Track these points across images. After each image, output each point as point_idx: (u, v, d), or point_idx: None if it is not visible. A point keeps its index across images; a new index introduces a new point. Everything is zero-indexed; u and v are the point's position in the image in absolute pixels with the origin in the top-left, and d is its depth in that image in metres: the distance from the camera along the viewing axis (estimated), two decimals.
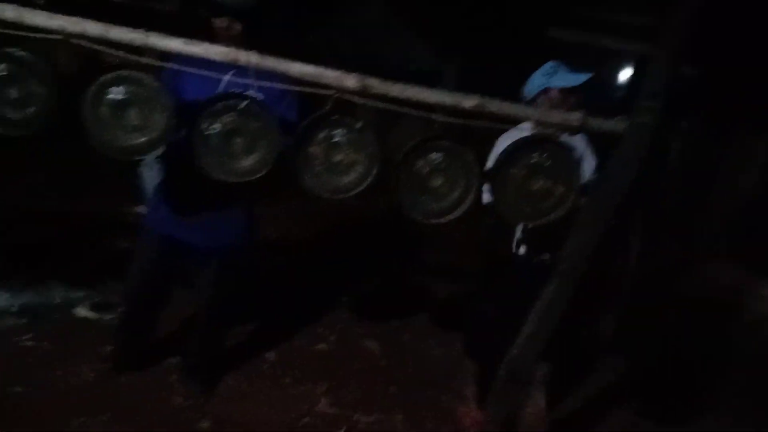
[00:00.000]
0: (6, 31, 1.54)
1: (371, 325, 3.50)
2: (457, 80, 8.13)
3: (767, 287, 4.13)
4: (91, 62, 1.72)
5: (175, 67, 1.78)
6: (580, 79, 2.34)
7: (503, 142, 2.27)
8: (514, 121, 1.99)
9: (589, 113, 1.84)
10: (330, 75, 1.68)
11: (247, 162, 1.76)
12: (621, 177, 1.86)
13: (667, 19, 1.71)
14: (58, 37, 1.54)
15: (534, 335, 2.08)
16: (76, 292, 3.20)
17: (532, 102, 2.41)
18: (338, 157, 1.80)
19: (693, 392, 3.26)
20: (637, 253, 3.40)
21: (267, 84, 1.74)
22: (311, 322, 3.40)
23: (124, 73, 1.63)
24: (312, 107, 1.83)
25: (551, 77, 2.37)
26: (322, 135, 1.78)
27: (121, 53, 1.58)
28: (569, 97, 2.34)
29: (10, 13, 1.55)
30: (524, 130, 2.11)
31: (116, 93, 1.64)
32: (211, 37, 1.91)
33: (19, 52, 1.59)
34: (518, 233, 2.45)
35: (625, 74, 9.25)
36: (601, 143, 2.38)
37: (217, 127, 1.72)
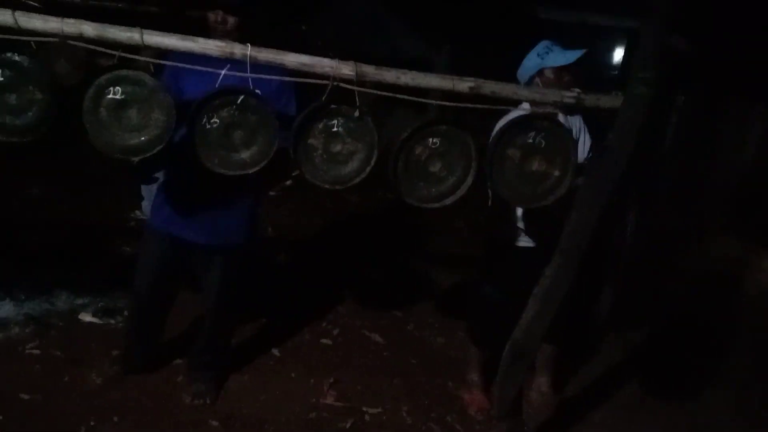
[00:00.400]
0: (3, 36, 1.53)
1: (375, 317, 3.51)
2: (448, 68, 8.12)
3: None
4: (88, 64, 1.73)
5: (172, 64, 1.77)
6: (573, 56, 2.35)
7: (499, 123, 2.28)
8: (510, 103, 2.00)
9: (584, 91, 1.85)
10: (325, 64, 1.69)
11: (247, 154, 1.77)
12: (619, 152, 1.88)
13: None
14: (55, 39, 1.53)
15: (538, 316, 2.10)
16: (81, 299, 3.19)
17: (527, 84, 2.41)
18: (338, 147, 1.81)
19: (697, 367, 3.28)
20: (635, 228, 3.42)
21: (264, 77, 1.74)
22: (315, 317, 3.40)
23: (122, 73, 1.64)
24: (310, 98, 1.83)
25: (544, 57, 2.37)
26: (320, 125, 1.78)
27: (117, 53, 1.58)
28: (564, 75, 2.35)
29: (6, 17, 1.54)
30: (523, 111, 2.12)
31: (115, 93, 1.64)
32: (206, 32, 1.90)
33: (17, 57, 1.59)
34: (519, 215, 2.46)
35: (618, 52, 9.27)
36: (597, 122, 2.40)
37: (216, 122, 1.72)
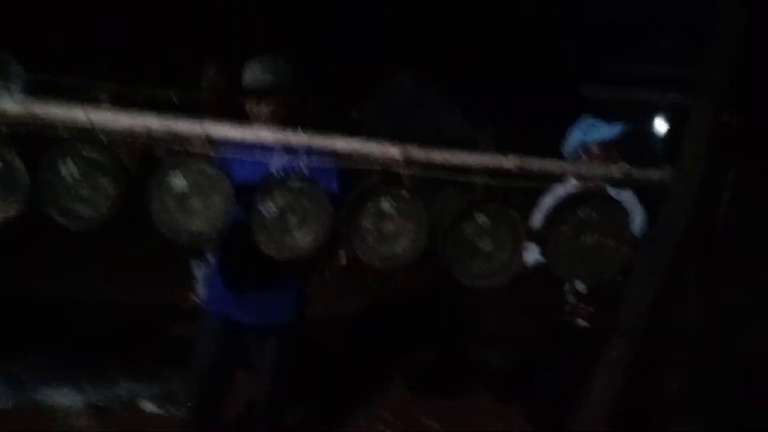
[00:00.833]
0: (77, 134, 1.67)
1: (429, 401, 3.42)
2: (492, 146, 8.26)
3: None
4: (147, 153, 1.84)
5: (227, 152, 1.87)
6: (616, 130, 2.36)
7: (547, 200, 2.27)
8: (556, 179, 2.01)
9: (632, 165, 1.84)
10: (374, 147, 1.75)
11: (301, 238, 1.81)
12: (673, 228, 1.83)
13: (708, 67, 1.72)
14: (124, 134, 1.66)
15: (599, 400, 1.99)
16: (141, 384, 3.23)
17: (572, 159, 2.42)
18: (388, 227, 1.84)
19: None
20: (697, 307, 3.26)
21: (314, 160, 1.82)
22: (367, 402, 3.33)
23: (184, 162, 1.74)
24: (352, 176, 1.88)
25: (588, 132, 2.39)
26: (371, 206, 1.83)
27: (179, 147, 1.69)
28: (609, 150, 2.35)
29: (79, 114, 1.68)
30: (567, 186, 2.12)
31: (178, 182, 1.74)
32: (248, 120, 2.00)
33: (89, 151, 1.71)
34: (571, 291, 2.40)
35: (661, 125, 9.23)
36: (648, 196, 2.37)
37: (271, 206, 1.79)
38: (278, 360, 2.43)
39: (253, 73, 2.15)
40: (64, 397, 3.05)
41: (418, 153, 1.77)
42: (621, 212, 1.92)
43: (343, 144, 1.76)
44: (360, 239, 1.83)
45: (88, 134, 1.69)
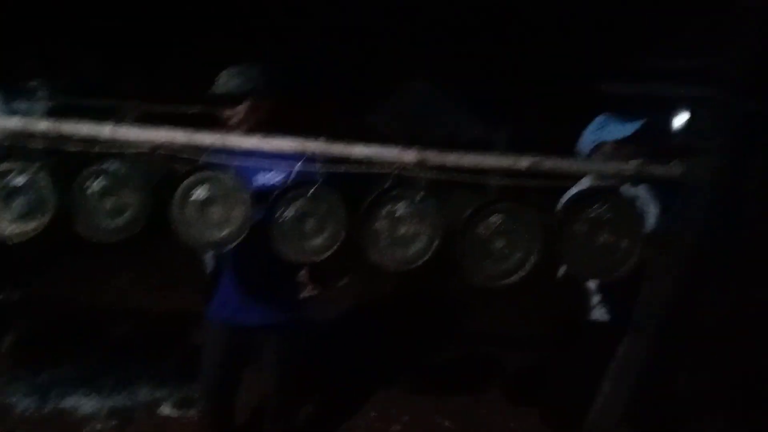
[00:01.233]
0: (103, 150, 1.73)
1: (442, 399, 3.43)
2: (507, 147, 8.25)
3: None
4: (168, 166, 1.91)
5: (245, 160, 1.92)
6: (631, 128, 2.35)
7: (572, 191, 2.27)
8: (571, 178, 2.01)
9: (647, 161, 1.84)
10: (389, 152, 1.78)
11: (318, 241, 1.86)
12: (689, 222, 1.83)
13: (726, 57, 1.71)
14: (149, 148, 1.72)
15: (611, 398, 1.99)
16: (161, 391, 3.30)
17: (587, 158, 2.42)
18: (402, 230, 1.87)
19: None
20: (719, 304, 3.21)
21: (331, 167, 1.86)
22: (383, 402, 3.36)
23: (205, 174, 1.81)
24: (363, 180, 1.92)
25: (603, 131, 2.39)
26: (385, 211, 1.86)
27: (199, 158, 1.75)
28: (625, 147, 2.35)
29: (104, 130, 1.75)
30: (581, 184, 2.12)
31: (199, 193, 1.81)
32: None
33: (114, 167, 1.78)
34: (593, 289, 2.40)
35: (680, 120, 9.10)
36: (666, 191, 2.35)
37: (290, 212, 1.84)
38: (284, 360, 2.46)
39: (221, 82, 2.26)
40: (87, 404, 3.13)
41: (433, 156, 1.80)
42: (633, 210, 1.92)
43: (358, 150, 1.79)
44: (373, 243, 1.87)
45: (112, 149, 1.76)
